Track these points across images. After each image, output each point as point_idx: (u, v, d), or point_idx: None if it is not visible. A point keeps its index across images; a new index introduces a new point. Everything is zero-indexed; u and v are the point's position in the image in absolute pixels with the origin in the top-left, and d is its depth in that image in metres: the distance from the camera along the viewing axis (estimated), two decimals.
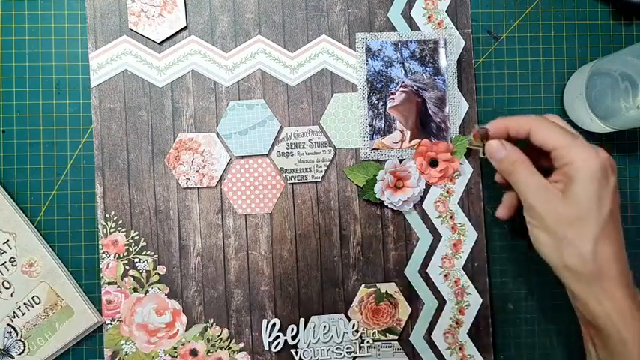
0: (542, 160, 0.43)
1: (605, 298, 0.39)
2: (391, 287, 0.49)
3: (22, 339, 0.47)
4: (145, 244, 0.49)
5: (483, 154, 0.47)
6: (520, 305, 0.51)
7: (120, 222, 0.48)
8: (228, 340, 0.49)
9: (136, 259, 0.49)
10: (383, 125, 0.49)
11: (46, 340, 0.47)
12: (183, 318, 0.49)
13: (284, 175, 0.49)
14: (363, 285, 0.50)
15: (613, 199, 0.40)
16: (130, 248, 0.49)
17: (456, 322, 0.50)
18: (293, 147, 0.49)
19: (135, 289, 0.48)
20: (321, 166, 0.49)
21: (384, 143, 0.49)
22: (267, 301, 0.49)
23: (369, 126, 0.49)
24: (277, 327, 0.49)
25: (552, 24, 0.52)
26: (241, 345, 0.49)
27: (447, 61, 0.49)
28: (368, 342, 0.49)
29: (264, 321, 0.49)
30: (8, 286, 0.47)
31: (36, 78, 0.49)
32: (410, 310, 0.49)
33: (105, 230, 0.48)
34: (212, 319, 0.49)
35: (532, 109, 0.51)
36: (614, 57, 0.46)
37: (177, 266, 0.49)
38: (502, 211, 0.48)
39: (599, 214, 0.39)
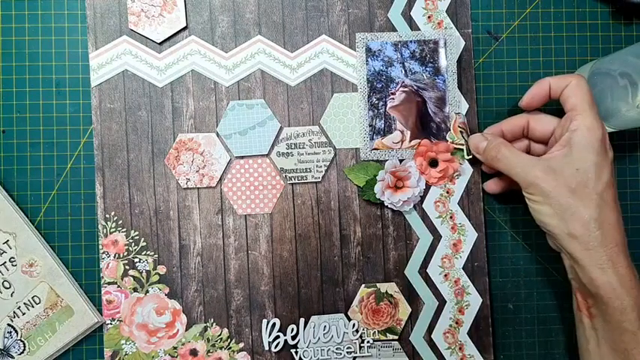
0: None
1: (609, 266, 0.40)
2: (391, 287, 0.49)
3: (22, 339, 0.47)
4: (145, 244, 0.49)
5: (468, 153, 0.48)
6: (520, 305, 0.51)
7: (120, 222, 0.48)
8: (228, 340, 0.49)
9: (136, 259, 0.49)
10: (383, 125, 0.49)
11: (46, 340, 0.47)
12: (183, 318, 0.49)
13: (284, 175, 0.49)
14: (363, 285, 0.50)
15: (611, 171, 0.41)
16: (130, 248, 0.49)
17: (456, 322, 0.50)
18: (293, 147, 0.49)
19: (135, 289, 0.48)
20: (321, 166, 0.49)
21: (384, 143, 0.49)
22: (267, 301, 0.49)
23: (369, 126, 0.49)
24: (277, 327, 0.49)
25: (552, 24, 0.52)
26: (241, 345, 0.49)
27: (447, 61, 0.49)
28: (368, 342, 0.49)
29: (264, 321, 0.49)
30: (8, 286, 0.47)
31: (36, 78, 0.49)
32: (410, 310, 0.49)
33: (105, 230, 0.48)
34: (212, 319, 0.49)
35: None
36: (613, 57, 0.46)
37: (177, 266, 0.49)
38: (492, 185, 0.49)
39: (599, 182, 0.40)
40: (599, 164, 0.40)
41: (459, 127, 0.48)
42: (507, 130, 0.47)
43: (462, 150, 0.48)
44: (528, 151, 0.48)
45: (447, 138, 0.49)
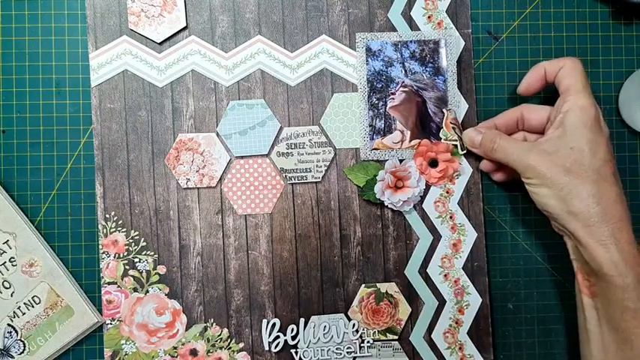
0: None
1: (611, 242, 0.39)
2: (391, 287, 0.49)
3: (22, 339, 0.47)
4: (145, 244, 0.49)
5: (462, 148, 0.48)
6: (520, 305, 0.51)
7: (120, 222, 0.48)
8: (228, 340, 0.49)
9: (136, 259, 0.49)
10: (383, 125, 0.49)
11: (46, 340, 0.47)
12: (183, 318, 0.49)
13: (284, 175, 0.49)
14: (363, 285, 0.50)
15: (608, 148, 0.41)
16: (130, 248, 0.49)
17: (456, 322, 0.50)
18: (293, 147, 0.49)
19: (135, 289, 0.48)
20: (321, 166, 0.49)
21: (384, 143, 0.49)
22: (267, 301, 0.49)
23: (369, 126, 0.49)
24: (277, 327, 0.49)
25: (552, 24, 0.52)
26: (241, 345, 0.49)
27: (446, 61, 0.49)
28: (368, 342, 0.49)
29: (264, 321, 0.49)
30: (8, 286, 0.47)
31: (36, 78, 0.49)
32: (410, 310, 0.50)
33: (105, 230, 0.48)
34: (212, 319, 0.49)
35: None
36: None
37: (177, 266, 0.49)
38: (486, 165, 0.49)
39: (595, 158, 0.41)
40: (593, 141, 0.41)
41: (450, 123, 0.48)
42: (501, 124, 0.48)
43: (456, 146, 0.49)
44: None
45: (440, 135, 0.49)
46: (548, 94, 0.51)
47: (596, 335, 0.42)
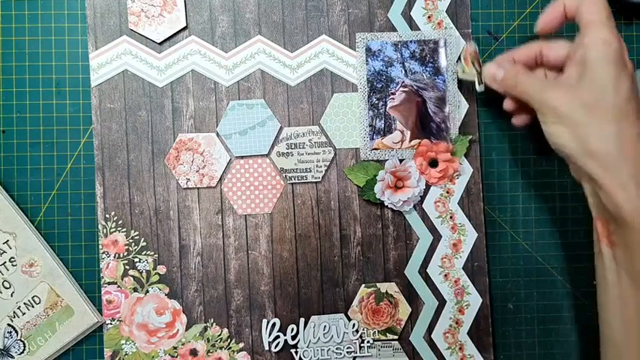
0: None
1: (632, 183, 0.37)
2: (391, 287, 0.49)
3: (22, 339, 0.47)
4: (145, 244, 0.49)
5: (480, 82, 0.46)
6: (520, 305, 0.51)
7: (120, 222, 0.48)
8: (228, 340, 0.49)
9: (136, 259, 0.49)
10: (383, 125, 0.49)
11: (46, 340, 0.47)
12: (183, 318, 0.49)
13: (284, 175, 0.49)
14: (363, 285, 0.50)
15: (632, 86, 0.38)
16: (130, 248, 0.49)
17: (456, 322, 0.50)
18: (293, 147, 0.49)
19: (135, 289, 0.48)
20: (321, 166, 0.49)
21: (384, 143, 0.49)
22: (267, 301, 0.49)
23: (369, 126, 0.49)
24: (277, 327, 0.49)
25: None
26: (241, 345, 0.49)
27: (447, 61, 0.49)
28: (368, 342, 0.49)
29: (264, 321, 0.49)
30: (8, 286, 0.47)
31: (36, 78, 0.49)
32: (410, 310, 0.50)
33: (105, 230, 0.48)
34: (212, 319, 0.49)
35: None
36: None
37: (177, 266, 0.49)
38: (509, 104, 0.46)
39: (617, 95, 0.38)
40: (617, 77, 0.38)
41: (470, 56, 0.46)
42: (520, 59, 0.45)
43: (474, 80, 0.47)
44: None
45: (457, 69, 0.47)
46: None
47: (614, 288, 0.40)
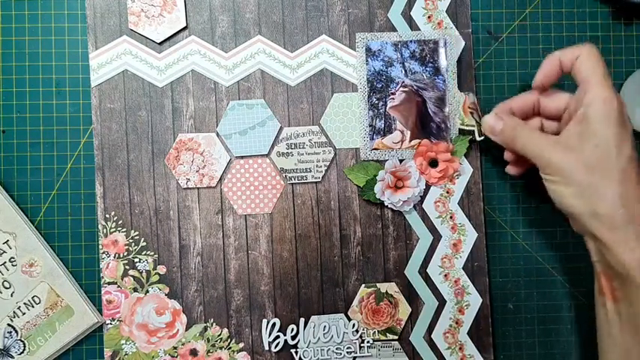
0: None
1: (638, 245, 0.37)
2: (391, 287, 0.49)
3: (22, 339, 0.47)
4: (145, 244, 0.49)
5: (480, 134, 0.47)
6: (520, 305, 0.51)
7: (120, 222, 0.48)
8: (228, 340, 0.49)
9: (136, 259, 0.49)
10: (383, 125, 0.49)
11: (46, 340, 0.47)
12: (183, 318, 0.49)
13: (284, 175, 0.49)
14: (363, 285, 0.50)
15: (632, 144, 0.39)
16: (130, 248, 0.49)
17: (456, 322, 0.50)
18: (293, 147, 0.49)
19: (135, 289, 0.48)
20: (321, 166, 0.49)
21: (384, 143, 0.49)
22: (267, 301, 0.49)
23: (369, 126, 0.49)
24: (277, 327, 0.49)
25: (552, 24, 0.52)
26: (241, 345, 0.49)
27: (446, 61, 0.49)
28: (368, 342, 0.49)
29: (264, 321, 0.49)
30: (8, 286, 0.47)
31: (36, 78, 0.49)
32: (410, 310, 0.50)
33: (105, 230, 0.48)
34: (212, 319, 0.49)
35: None
36: None
37: (177, 266, 0.49)
38: (508, 155, 0.47)
39: (621, 156, 0.38)
40: (619, 137, 0.38)
41: (468, 107, 0.46)
42: (517, 108, 0.46)
43: (473, 132, 0.47)
44: (541, 130, 0.46)
45: (457, 120, 0.48)
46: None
47: (617, 341, 0.40)
